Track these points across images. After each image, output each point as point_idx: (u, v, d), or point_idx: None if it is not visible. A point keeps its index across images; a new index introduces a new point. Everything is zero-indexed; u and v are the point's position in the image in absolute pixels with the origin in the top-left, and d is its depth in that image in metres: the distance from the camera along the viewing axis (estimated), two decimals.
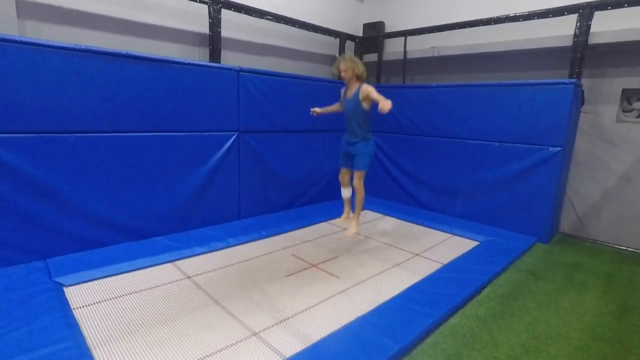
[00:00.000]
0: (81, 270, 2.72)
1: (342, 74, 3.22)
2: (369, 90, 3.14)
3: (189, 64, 3.45)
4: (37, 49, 2.65)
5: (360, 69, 3.20)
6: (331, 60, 5.70)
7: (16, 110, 2.63)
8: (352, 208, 3.62)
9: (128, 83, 3.11)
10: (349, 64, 3.17)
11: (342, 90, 3.45)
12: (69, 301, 2.36)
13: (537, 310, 2.57)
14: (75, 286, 2.57)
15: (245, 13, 4.18)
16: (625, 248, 3.94)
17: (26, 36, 2.96)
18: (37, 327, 2.00)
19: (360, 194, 3.39)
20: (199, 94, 3.56)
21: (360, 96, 3.18)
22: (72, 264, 2.80)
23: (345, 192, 3.63)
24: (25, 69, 2.62)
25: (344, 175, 3.58)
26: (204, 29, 4.01)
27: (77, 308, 2.32)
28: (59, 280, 2.56)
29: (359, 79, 3.23)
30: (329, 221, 4.34)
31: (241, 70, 3.84)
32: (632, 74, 3.79)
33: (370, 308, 2.42)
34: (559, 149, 3.70)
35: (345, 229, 3.64)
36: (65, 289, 2.51)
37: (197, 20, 4.00)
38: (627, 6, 3.44)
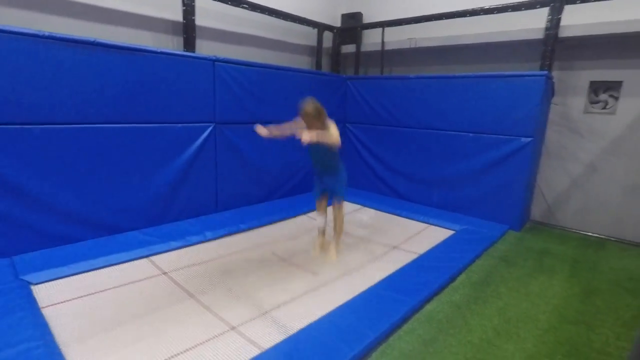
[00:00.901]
0: (50, 268, 2.61)
1: (305, 117, 2.85)
2: (332, 128, 2.82)
3: (161, 52, 3.34)
4: None
5: (324, 114, 2.86)
6: (309, 50, 5.65)
7: None
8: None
9: (97, 72, 2.98)
10: (316, 107, 2.81)
11: (299, 123, 2.96)
12: (37, 299, 2.27)
13: (508, 295, 2.66)
14: (44, 284, 2.47)
15: (220, 1, 4.08)
16: (590, 234, 4.13)
17: None
18: (3, 327, 1.92)
19: (341, 218, 3.27)
20: (172, 84, 3.46)
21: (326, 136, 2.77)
22: (40, 261, 2.69)
23: (321, 220, 3.33)
24: None
25: (320, 203, 3.32)
26: (178, 16, 3.88)
27: (46, 307, 2.23)
28: (26, 278, 2.46)
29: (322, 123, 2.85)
30: (307, 214, 4.34)
31: (217, 60, 3.75)
32: (599, 67, 3.94)
33: (348, 298, 2.44)
34: (530, 139, 3.81)
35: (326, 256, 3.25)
36: (32, 287, 2.41)
37: (171, 7, 3.87)
38: (595, 0, 3.56)
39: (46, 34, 2.69)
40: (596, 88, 4.01)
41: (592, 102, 4.06)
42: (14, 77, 2.61)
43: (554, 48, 3.83)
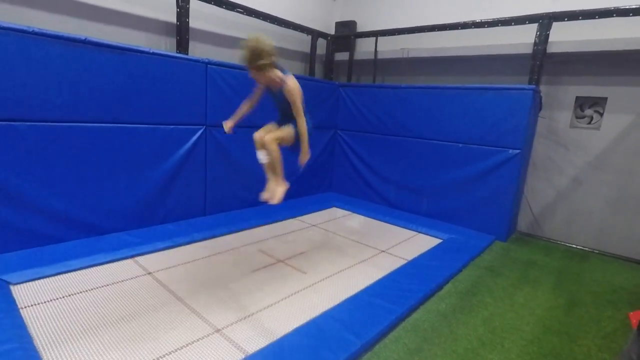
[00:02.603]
0: (31, 268, 2.55)
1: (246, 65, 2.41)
2: (294, 94, 2.44)
3: (154, 53, 3.32)
4: None
5: (268, 48, 2.37)
6: (303, 57, 5.68)
7: None
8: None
9: (87, 70, 2.94)
10: (253, 49, 2.34)
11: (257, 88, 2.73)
12: (16, 300, 2.21)
13: (494, 305, 2.68)
14: (24, 284, 2.41)
15: (215, 4, 4.07)
16: (575, 246, 4.20)
17: None
18: None
19: (273, 149, 2.60)
20: (164, 85, 3.43)
21: (288, 97, 2.48)
22: (20, 261, 2.62)
23: (262, 156, 2.70)
24: None
25: (262, 134, 2.63)
26: (172, 18, 3.86)
27: (25, 307, 2.18)
28: (5, 277, 2.39)
29: (271, 64, 2.39)
30: (297, 218, 4.33)
31: (209, 62, 3.74)
32: (585, 83, 4.04)
33: (335, 303, 2.44)
34: (517, 151, 3.88)
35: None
36: (11, 287, 2.35)
37: (165, 8, 3.85)
38: (582, 19, 3.66)
39: (35, 29, 2.65)
40: (582, 103, 4.11)
41: (578, 117, 4.15)
42: (1, 73, 2.55)
43: (542, 63, 3.91)
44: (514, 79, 4.30)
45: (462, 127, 4.24)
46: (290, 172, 4.78)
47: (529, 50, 3.98)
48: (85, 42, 2.89)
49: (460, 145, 4.26)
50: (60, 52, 2.79)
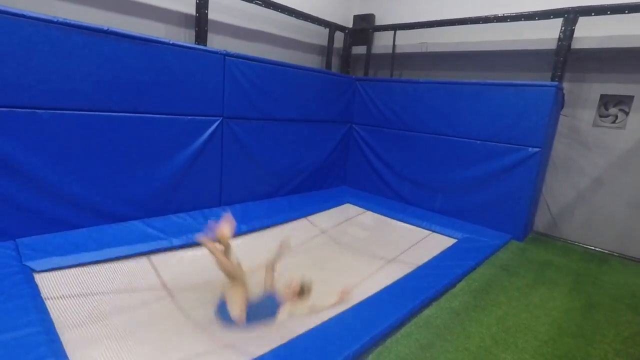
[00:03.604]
0: (52, 256, 2.60)
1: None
2: None
3: (173, 44, 3.35)
4: (8, 18, 2.50)
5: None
6: (320, 50, 5.66)
7: None
8: None
9: (108, 60, 2.99)
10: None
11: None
12: (40, 288, 2.27)
13: (508, 304, 2.64)
14: (46, 273, 2.46)
15: None
16: (594, 248, 4.10)
17: None
18: (5, 311, 1.93)
19: None
20: (182, 76, 3.46)
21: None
22: (43, 246, 2.69)
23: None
24: None
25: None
26: (191, 9, 3.89)
27: (48, 299, 2.24)
28: (29, 264, 2.46)
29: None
30: (310, 215, 4.30)
31: (227, 54, 3.76)
32: (610, 80, 3.91)
33: (348, 306, 2.39)
34: (537, 149, 3.79)
35: None
36: (35, 274, 2.41)
37: (184, 0, 3.88)
38: (610, 13, 3.53)
39: (60, 19, 2.70)
40: (606, 102, 3.98)
41: (602, 116, 4.03)
42: (26, 61, 2.62)
43: (566, 59, 3.80)
44: (536, 76, 4.19)
45: (480, 124, 4.16)
46: (299, 169, 4.80)
47: (552, 46, 3.87)
48: (108, 33, 2.94)
49: (479, 142, 4.19)
50: (84, 42, 2.84)
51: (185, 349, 2.10)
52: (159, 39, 3.27)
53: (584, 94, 4.06)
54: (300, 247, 3.68)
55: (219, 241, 2.54)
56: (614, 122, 3.96)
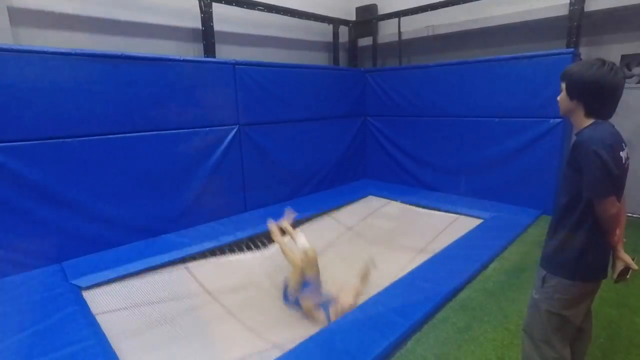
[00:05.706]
0: (95, 272, 2.76)
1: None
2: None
3: (184, 60, 3.46)
4: (33, 56, 2.66)
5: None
6: (326, 46, 5.67)
7: (17, 119, 2.66)
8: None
9: (126, 83, 3.13)
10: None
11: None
12: (88, 303, 2.41)
13: None
14: (92, 289, 2.61)
15: (236, 5, 4.16)
16: (630, 214, 3.95)
17: (20, 44, 2.98)
18: (59, 328, 2.06)
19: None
20: (196, 89, 3.57)
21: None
22: (85, 265, 2.86)
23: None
24: (22, 76, 2.64)
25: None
26: (197, 24, 3.99)
27: (98, 314, 2.36)
28: (76, 282, 2.62)
29: None
30: (333, 209, 4.34)
31: (236, 63, 3.84)
32: (630, 40, 3.74)
33: (380, 289, 2.46)
34: (560, 120, 3.69)
35: None
36: (82, 291, 2.56)
37: (190, 16, 3.98)
38: None
39: (78, 51, 2.85)
40: (629, 62, 3.82)
41: (626, 77, 3.86)
42: (50, 95, 2.78)
43: (580, 23, 3.67)
44: (551, 45, 4.05)
45: (497, 101, 4.07)
46: (318, 167, 4.82)
47: (564, 11, 3.75)
48: (122, 58, 3.07)
49: (497, 120, 4.10)
50: (101, 69, 2.98)
51: (235, 349, 2.19)
52: (170, 57, 3.39)
53: (604, 57, 3.84)
54: (328, 249, 3.73)
55: (284, 231, 3.01)
56: (639, 82, 3.79)
